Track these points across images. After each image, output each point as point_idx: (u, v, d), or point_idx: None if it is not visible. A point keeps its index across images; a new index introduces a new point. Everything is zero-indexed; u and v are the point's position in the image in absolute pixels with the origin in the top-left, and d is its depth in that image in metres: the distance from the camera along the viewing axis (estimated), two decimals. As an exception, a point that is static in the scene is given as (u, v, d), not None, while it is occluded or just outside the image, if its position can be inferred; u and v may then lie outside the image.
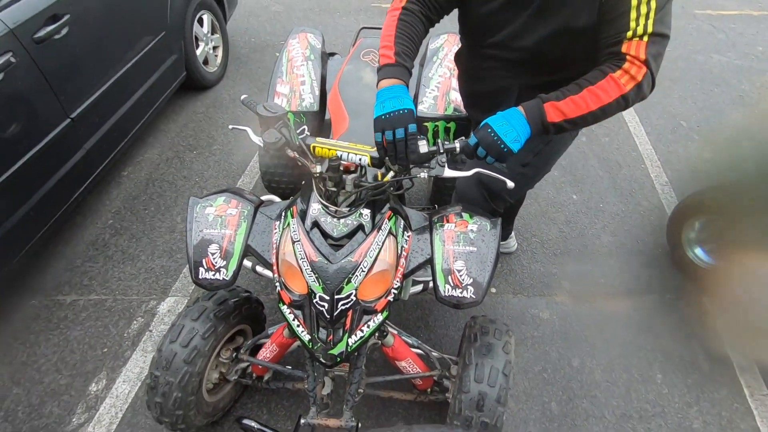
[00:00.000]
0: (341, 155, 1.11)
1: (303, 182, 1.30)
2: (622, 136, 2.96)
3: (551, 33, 1.12)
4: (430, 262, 1.21)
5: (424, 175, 1.09)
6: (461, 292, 1.15)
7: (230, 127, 1.32)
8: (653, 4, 0.97)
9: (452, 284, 1.16)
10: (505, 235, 2.18)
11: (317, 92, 1.89)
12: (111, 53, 2.19)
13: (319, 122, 1.90)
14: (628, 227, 2.40)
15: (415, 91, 1.94)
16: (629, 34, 1.00)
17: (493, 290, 2.09)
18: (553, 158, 1.48)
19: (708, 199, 2.03)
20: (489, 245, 1.19)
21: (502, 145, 1.04)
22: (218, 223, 1.24)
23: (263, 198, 1.80)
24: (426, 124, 1.82)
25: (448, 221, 1.24)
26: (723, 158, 2.16)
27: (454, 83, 1.87)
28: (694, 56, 3.75)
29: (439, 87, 1.87)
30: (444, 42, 2.02)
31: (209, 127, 2.93)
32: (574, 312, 2.02)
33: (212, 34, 3.19)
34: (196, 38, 2.99)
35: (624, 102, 1.05)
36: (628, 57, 1.01)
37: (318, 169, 1.12)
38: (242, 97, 1.31)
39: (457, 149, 1.06)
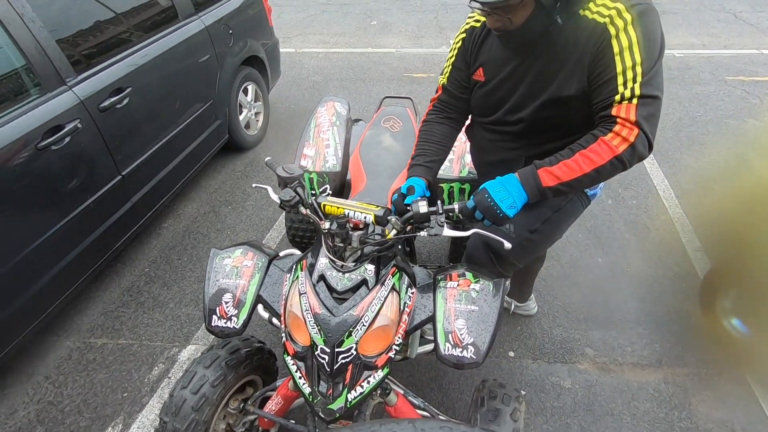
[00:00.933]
0: (348, 213, 1.19)
1: (315, 238, 1.38)
2: (650, 199, 2.92)
3: (544, 102, 1.20)
4: (432, 319, 1.22)
5: (424, 233, 1.14)
6: (461, 352, 1.15)
7: (253, 185, 1.45)
8: (639, 69, 1.04)
9: (452, 343, 1.16)
10: (524, 297, 2.14)
11: (340, 155, 2.04)
12: (163, 119, 2.47)
13: (341, 182, 2.03)
14: (657, 294, 2.29)
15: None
16: (618, 98, 1.06)
17: (511, 354, 2.02)
18: (562, 226, 1.49)
19: (742, 267, 1.94)
20: (491, 305, 1.20)
21: (498, 210, 1.10)
22: (234, 273, 1.32)
23: (286, 252, 1.90)
24: (442, 185, 1.90)
25: (451, 279, 1.26)
26: (757, 224, 2.08)
27: (468, 147, 1.97)
28: (726, 120, 3.72)
29: (455, 151, 1.97)
30: (461, 110, 2.15)
31: (245, 185, 3.15)
32: (598, 382, 1.91)
33: (255, 101, 3.52)
34: (240, 105, 3.30)
35: (620, 163, 1.09)
36: (618, 120, 1.06)
37: (326, 225, 1.20)
38: (266, 159, 1.45)
39: (456, 210, 1.12)
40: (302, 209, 1.26)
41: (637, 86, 1.04)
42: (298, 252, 1.84)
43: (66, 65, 1.89)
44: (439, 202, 1.12)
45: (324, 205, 1.23)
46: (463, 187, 1.90)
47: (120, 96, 2.11)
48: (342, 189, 2.06)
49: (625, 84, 1.06)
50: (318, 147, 2.07)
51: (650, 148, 1.10)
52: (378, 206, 1.19)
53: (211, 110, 2.88)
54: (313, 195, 1.28)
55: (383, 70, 4.91)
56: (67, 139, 1.86)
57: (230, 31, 3.02)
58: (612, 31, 1.08)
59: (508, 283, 2.14)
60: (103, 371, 1.97)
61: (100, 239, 2.12)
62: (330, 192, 2.06)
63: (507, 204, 1.12)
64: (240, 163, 3.39)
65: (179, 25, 2.58)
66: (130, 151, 2.24)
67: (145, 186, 2.38)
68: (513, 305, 2.16)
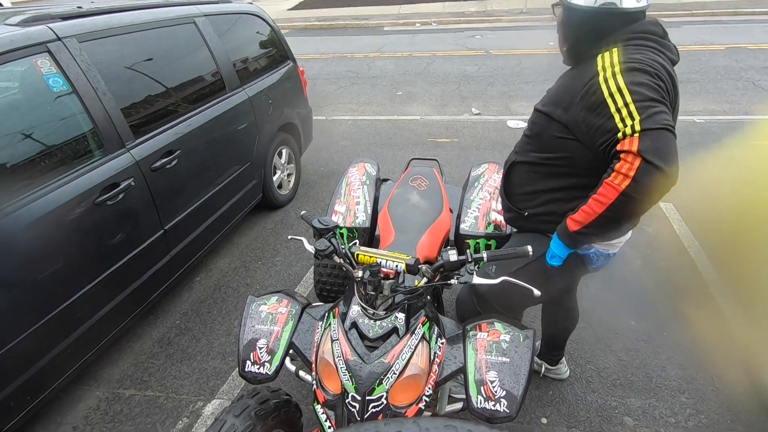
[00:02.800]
0: (380, 262, 1.25)
1: (347, 288, 1.43)
2: (683, 261, 2.86)
3: (540, 110, 1.36)
4: (463, 371, 1.22)
5: (454, 281, 1.17)
6: (494, 405, 1.13)
7: (289, 237, 1.54)
8: (632, 108, 1.10)
9: (485, 395, 1.15)
10: (555, 360, 2.08)
11: (369, 211, 2.13)
12: (205, 179, 2.66)
13: (370, 237, 2.10)
14: (698, 360, 2.18)
15: (458, 212, 2.12)
16: (620, 135, 1.11)
17: (544, 420, 1.92)
18: (543, 276, 1.46)
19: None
20: (522, 357, 1.19)
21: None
22: (269, 320, 1.37)
23: (313, 304, 1.94)
24: (468, 241, 1.95)
25: (480, 330, 1.27)
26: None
27: (494, 205, 2.03)
28: (759, 181, 3.68)
29: (480, 208, 2.03)
30: (485, 170, 2.25)
31: (275, 241, 3.27)
32: (641, 455, 1.78)
33: (288, 163, 3.75)
34: (274, 167, 3.52)
35: (628, 198, 1.11)
36: (621, 155, 1.11)
37: (359, 274, 1.25)
38: (302, 212, 1.55)
39: (485, 259, 1.16)
40: (336, 258, 1.32)
41: (636, 123, 1.09)
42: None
43: (127, 130, 2.12)
44: (468, 251, 1.17)
45: (357, 255, 1.29)
46: (489, 243, 1.94)
47: (170, 158, 2.32)
48: (370, 244, 2.13)
49: (623, 121, 1.11)
50: (349, 204, 2.17)
51: (665, 174, 1.08)
52: (409, 256, 1.25)
53: (248, 171, 3.08)
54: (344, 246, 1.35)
55: (408, 135, 5.17)
56: (121, 196, 2.03)
57: (270, 101, 3.31)
58: (601, 74, 1.18)
59: (538, 343, 2.09)
60: (128, 423, 1.97)
61: (138, 291, 2.22)
62: (358, 245, 2.13)
63: (552, 261, 1.32)
64: (271, 221, 3.54)
65: (226, 96, 2.86)
66: (174, 207, 2.41)
67: (184, 240, 2.51)
68: (543, 367, 2.09)
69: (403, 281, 1.28)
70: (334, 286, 2.30)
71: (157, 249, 2.32)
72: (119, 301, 2.11)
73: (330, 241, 1.35)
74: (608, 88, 1.14)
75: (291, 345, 1.33)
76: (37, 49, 1.82)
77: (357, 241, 2.06)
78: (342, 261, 1.31)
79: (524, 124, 6.10)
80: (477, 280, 1.14)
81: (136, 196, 2.13)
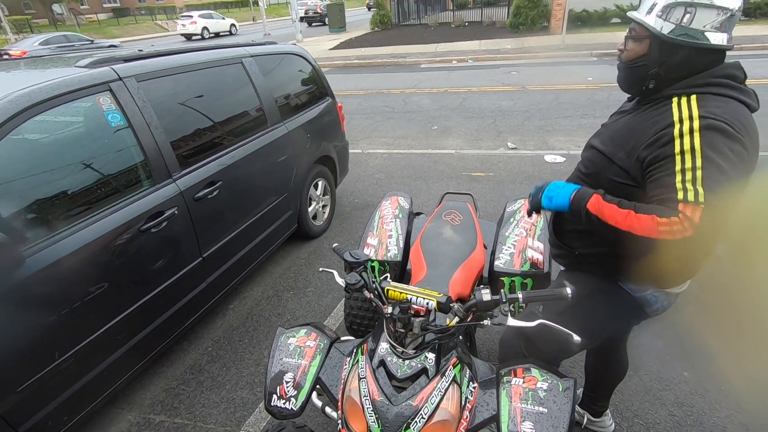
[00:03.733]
0: (411, 299, 1.22)
1: (376, 323, 1.40)
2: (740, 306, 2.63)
3: (598, 148, 1.31)
4: (495, 419, 1.15)
5: (487, 322, 1.13)
6: None
7: (320, 269, 1.55)
8: (699, 175, 1.04)
9: None
10: (599, 411, 1.93)
11: (402, 245, 2.12)
12: (244, 208, 2.75)
13: (401, 271, 2.08)
14: (765, 421, 1.96)
15: (492, 248, 2.07)
16: (680, 196, 1.05)
17: (586, 477, 1.77)
18: (594, 317, 1.40)
19: None
20: (562, 408, 1.11)
21: (539, 196, 1.34)
22: (297, 353, 1.36)
23: (342, 339, 1.92)
24: (503, 278, 1.89)
25: (515, 375, 1.20)
26: None
27: (531, 242, 1.97)
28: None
29: (516, 245, 1.98)
30: (521, 206, 2.20)
31: (307, 272, 3.30)
32: None
33: (324, 195, 3.83)
34: (310, 198, 3.60)
35: (650, 242, 1.09)
36: (680, 215, 1.04)
37: (389, 310, 1.23)
38: (334, 245, 1.56)
39: (520, 300, 1.11)
40: (366, 293, 1.31)
41: (701, 195, 1.03)
42: (355, 340, 1.85)
43: (174, 162, 2.24)
44: (502, 290, 1.13)
45: (387, 290, 1.27)
46: (525, 281, 1.87)
47: (212, 188, 2.42)
48: (402, 278, 2.11)
49: (684, 183, 1.05)
50: (381, 237, 2.17)
51: (706, 253, 1.10)
52: (440, 293, 1.22)
53: (284, 202, 3.17)
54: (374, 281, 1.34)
55: (443, 169, 5.18)
56: (164, 224, 2.13)
57: (308, 135, 3.43)
58: (677, 126, 1.11)
59: (580, 391, 1.96)
60: (156, 450, 1.98)
61: (174, 317, 2.27)
62: (390, 280, 2.10)
63: (545, 194, 1.32)
64: (304, 251, 3.59)
65: (267, 130, 2.99)
66: (213, 235, 2.49)
67: (221, 268, 2.58)
68: (585, 419, 1.94)
69: (434, 319, 1.24)
70: (364, 320, 2.27)
71: (195, 276, 2.39)
72: (156, 326, 2.17)
73: (361, 275, 1.34)
74: (682, 144, 1.08)
75: (318, 380, 1.31)
76: (101, 87, 1.99)
77: (388, 275, 2.04)
78: (372, 296, 1.29)
79: (562, 159, 5.94)
80: (512, 321, 1.09)
81: (178, 224, 2.23)
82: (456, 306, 1.16)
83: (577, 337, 1.05)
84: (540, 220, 2.09)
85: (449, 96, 8.68)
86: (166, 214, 2.13)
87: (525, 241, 1.98)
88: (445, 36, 15.29)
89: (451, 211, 2.16)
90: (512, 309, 1.14)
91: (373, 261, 2.07)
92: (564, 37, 11.89)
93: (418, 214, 2.53)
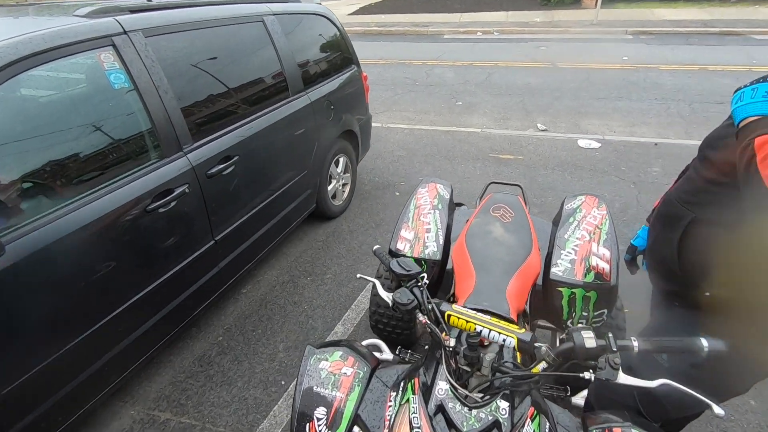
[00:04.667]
0: (481, 331, 0.97)
1: (427, 347, 1.15)
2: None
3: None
4: None
5: (588, 375, 0.87)
6: None
7: (358, 276, 1.30)
8: None
9: None
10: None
11: (441, 241, 1.86)
12: (261, 187, 2.49)
13: (440, 271, 1.82)
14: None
15: (548, 251, 1.80)
16: None
17: None
18: (744, 368, 1.13)
19: None
20: None
21: None
22: (331, 381, 1.12)
23: (366, 342, 1.69)
24: (560, 288, 1.63)
25: None
26: None
27: (594, 248, 1.70)
28: None
29: (577, 250, 1.71)
30: (581, 203, 1.91)
31: (325, 256, 3.06)
32: None
33: (344, 173, 3.55)
34: (330, 176, 3.33)
35: None
36: None
37: (451, 342, 0.98)
38: (375, 247, 1.29)
39: (635, 348, 0.85)
40: (420, 316, 1.06)
41: None
42: (384, 346, 1.61)
43: (185, 133, 1.96)
44: (610, 335, 0.87)
45: (448, 315, 1.02)
46: (587, 294, 1.61)
47: (227, 164, 2.15)
48: (441, 279, 1.85)
49: None
50: (417, 231, 1.91)
51: None
52: (521, 328, 0.96)
53: (304, 180, 2.90)
54: (429, 299, 1.08)
55: (468, 149, 4.85)
56: (174, 203, 1.88)
57: (332, 107, 3.12)
58: None
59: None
60: (160, 454, 1.80)
61: (183, 303, 2.06)
62: (427, 281, 1.86)
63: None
64: (322, 233, 3.34)
65: (289, 100, 2.68)
66: (227, 216, 2.24)
67: (234, 251, 2.34)
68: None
69: (511, 359, 0.99)
70: (392, 320, 2.04)
71: (206, 260, 2.16)
72: (163, 315, 1.96)
73: (412, 292, 1.09)
74: None
75: (356, 419, 1.08)
76: (102, 42, 1.70)
77: (425, 275, 1.79)
78: (426, 320, 1.04)
79: (597, 144, 5.57)
80: (625, 378, 0.84)
81: (188, 203, 1.97)
82: (544, 349, 0.91)
83: (719, 410, 0.80)
84: (605, 222, 1.81)
85: (474, 70, 8.20)
86: (176, 193, 1.88)
87: (588, 247, 1.71)
88: (469, 5, 14.49)
89: (501, 205, 1.88)
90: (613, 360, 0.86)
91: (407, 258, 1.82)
92: (597, 11, 11.17)
93: (459, 204, 2.25)
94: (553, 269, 1.67)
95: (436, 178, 2.19)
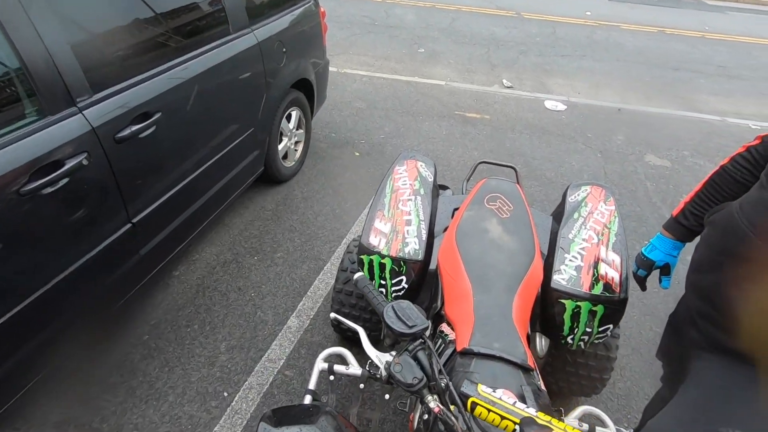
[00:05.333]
0: (523, 432, 0.67)
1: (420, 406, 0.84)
2: None
3: None
4: None
5: None
6: None
7: (332, 316, 0.94)
8: None
9: None
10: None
11: (424, 237, 1.53)
12: (193, 152, 1.97)
13: (421, 274, 1.51)
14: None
15: (548, 252, 1.54)
16: None
17: None
18: None
19: None
20: None
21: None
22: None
23: (329, 352, 1.37)
24: (564, 301, 1.38)
25: None
26: None
27: (603, 253, 1.46)
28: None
29: (583, 255, 1.45)
30: (587, 196, 1.64)
31: (276, 229, 2.64)
32: None
33: (297, 129, 3.04)
34: (281, 133, 2.82)
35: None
36: None
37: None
38: (357, 275, 0.94)
39: None
40: (429, 399, 0.74)
41: None
42: (348, 354, 1.26)
43: (80, 80, 1.40)
44: None
45: (473, 402, 0.71)
46: (594, 309, 1.38)
47: (145, 123, 1.62)
48: (420, 284, 1.54)
49: None
50: (395, 222, 1.56)
51: None
52: (574, 428, 0.67)
53: (250, 140, 2.39)
54: (441, 370, 0.76)
55: (432, 104, 4.46)
56: (65, 180, 1.36)
57: (284, 49, 2.55)
58: None
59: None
60: (66, 500, 1.42)
61: (91, 305, 1.59)
62: (406, 286, 1.55)
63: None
64: (271, 200, 2.88)
65: (229, 39, 2.10)
66: (148, 192, 1.74)
67: (160, 233, 1.86)
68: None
69: None
70: (354, 310, 1.74)
71: (123, 248, 1.67)
72: (69, 316, 1.50)
73: (419, 362, 0.76)
74: None
75: None
76: None
77: (404, 278, 1.47)
78: (441, 408, 0.72)
79: (563, 107, 5.45)
80: None
81: (90, 179, 1.45)
82: None
83: None
84: (614, 220, 1.56)
85: (437, 13, 7.59)
86: (67, 166, 1.35)
87: (596, 251, 1.46)
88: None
89: (496, 195, 1.56)
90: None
91: (382, 257, 1.48)
92: (563, -42, 10.68)
93: (444, 188, 1.91)
94: (556, 277, 1.41)
95: (416, 152, 1.81)
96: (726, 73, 5.93)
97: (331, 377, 1.37)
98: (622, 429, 0.89)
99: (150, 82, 1.66)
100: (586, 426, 0.89)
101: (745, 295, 0.90)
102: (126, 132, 1.54)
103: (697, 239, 1.15)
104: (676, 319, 1.21)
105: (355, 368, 1.00)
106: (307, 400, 1.29)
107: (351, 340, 1.89)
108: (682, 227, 1.23)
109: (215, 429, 1.63)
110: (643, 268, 1.37)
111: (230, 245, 2.49)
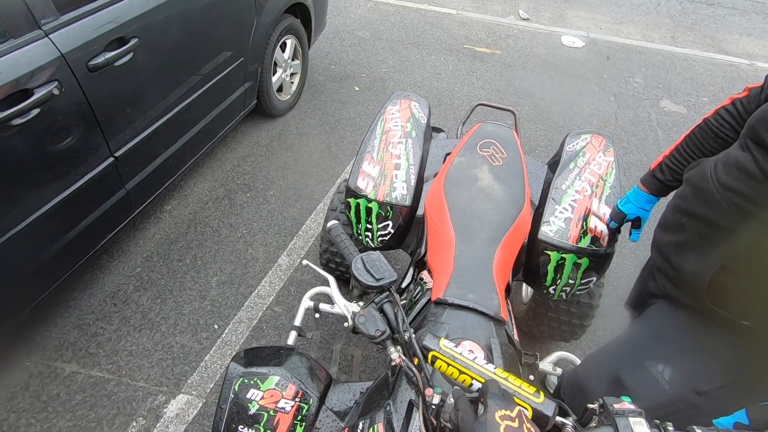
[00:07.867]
0: (479, 387, 0.67)
1: (393, 382, 0.85)
2: None
3: None
4: None
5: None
6: None
7: (304, 263, 0.93)
8: None
9: None
10: None
11: (413, 182, 1.48)
12: (177, 83, 1.86)
13: (408, 220, 1.49)
14: None
15: (539, 202, 1.50)
16: None
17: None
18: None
19: None
20: None
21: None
22: (262, 420, 0.82)
23: (315, 291, 1.40)
24: (549, 252, 1.37)
25: None
26: None
27: (595, 206, 1.41)
28: None
29: (574, 207, 1.41)
30: (586, 145, 1.56)
31: (269, 165, 2.59)
32: None
33: (293, 60, 2.88)
34: (275, 64, 2.67)
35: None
36: None
37: (436, 400, 0.68)
38: (331, 223, 0.91)
39: None
40: (392, 351, 0.74)
41: None
42: (333, 288, 1.28)
43: (44, 0, 1.28)
44: (670, 427, 0.60)
45: (434, 356, 0.71)
46: (579, 261, 1.37)
47: (121, 50, 1.51)
48: (407, 229, 1.52)
49: None
50: (384, 165, 1.51)
51: None
52: (538, 391, 0.67)
53: (240, 70, 2.26)
54: (406, 328, 0.75)
55: (441, 35, 4.18)
56: (35, 112, 1.29)
57: (276, -32, 2.33)
58: None
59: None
60: (66, 416, 1.52)
61: (80, 237, 1.60)
62: (392, 231, 1.53)
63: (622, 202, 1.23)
64: (265, 135, 2.80)
65: (212, -47, 1.91)
66: (130, 125, 1.67)
67: (146, 168, 1.82)
68: None
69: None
70: (343, 263, 1.75)
71: (105, 184, 1.65)
72: (56, 251, 1.51)
73: (384, 314, 0.75)
74: None
75: None
76: None
77: (390, 223, 1.44)
78: (403, 359, 0.73)
79: (581, 43, 5.11)
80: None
81: (63, 110, 1.39)
82: (569, 428, 0.64)
83: None
84: (611, 172, 1.49)
85: (454, -72, 6.86)
86: (36, 96, 1.28)
87: (588, 203, 1.42)
88: None
89: (491, 141, 1.48)
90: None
91: (369, 201, 1.45)
92: None
93: (438, 130, 1.82)
94: (544, 228, 1.38)
95: (410, 92, 1.71)
96: (764, 9, 5.44)
97: (317, 315, 1.41)
98: None
99: (123, 3, 1.52)
100: (553, 374, 0.90)
101: (706, 261, 0.87)
102: (99, 59, 1.44)
103: (672, 194, 1.10)
104: (642, 272, 1.22)
105: (340, 305, 1.00)
106: (292, 336, 1.34)
107: (341, 280, 1.92)
108: (657, 181, 1.17)
109: (206, 358, 1.71)
110: (615, 221, 1.33)
111: (222, 181, 2.46)
